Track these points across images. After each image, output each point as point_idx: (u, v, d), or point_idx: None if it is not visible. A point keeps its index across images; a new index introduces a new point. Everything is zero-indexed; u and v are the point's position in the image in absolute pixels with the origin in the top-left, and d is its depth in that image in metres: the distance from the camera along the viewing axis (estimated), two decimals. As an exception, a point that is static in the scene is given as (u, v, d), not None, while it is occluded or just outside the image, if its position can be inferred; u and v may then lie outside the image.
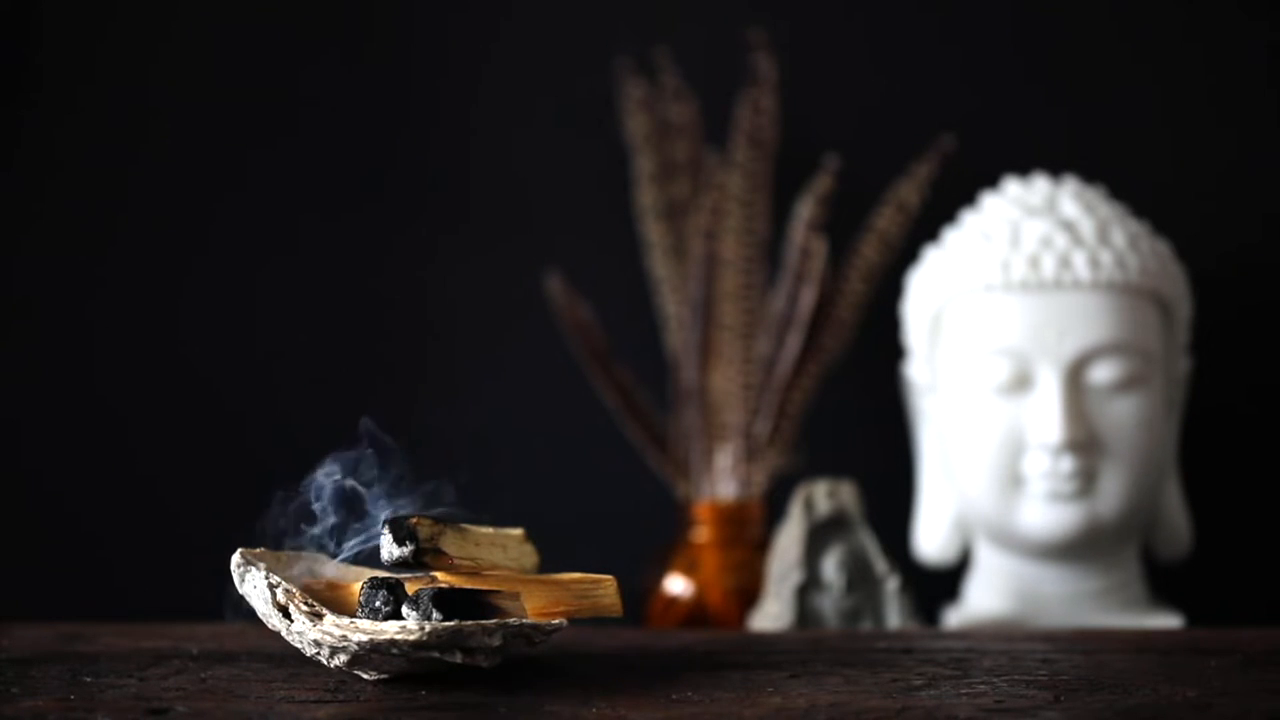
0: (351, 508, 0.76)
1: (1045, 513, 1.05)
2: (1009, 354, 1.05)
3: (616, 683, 0.73)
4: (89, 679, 0.74)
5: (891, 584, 1.02)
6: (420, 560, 0.72)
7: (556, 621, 0.72)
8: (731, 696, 0.70)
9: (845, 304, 1.16)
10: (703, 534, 1.14)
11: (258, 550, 0.75)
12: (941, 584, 1.16)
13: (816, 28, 1.27)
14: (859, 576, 1.02)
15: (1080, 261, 1.05)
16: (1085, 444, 1.04)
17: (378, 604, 0.72)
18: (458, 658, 0.70)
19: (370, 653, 0.69)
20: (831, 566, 1.02)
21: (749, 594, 1.10)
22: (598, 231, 1.27)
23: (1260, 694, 0.70)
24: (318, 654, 0.71)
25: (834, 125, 1.26)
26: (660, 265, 1.20)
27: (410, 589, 0.72)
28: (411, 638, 0.68)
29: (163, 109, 1.29)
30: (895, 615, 1.01)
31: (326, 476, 0.76)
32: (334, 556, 0.76)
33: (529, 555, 0.80)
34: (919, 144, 1.17)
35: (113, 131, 1.29)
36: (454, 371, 1.29)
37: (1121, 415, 1.04)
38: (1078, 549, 1.06)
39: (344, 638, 0.69)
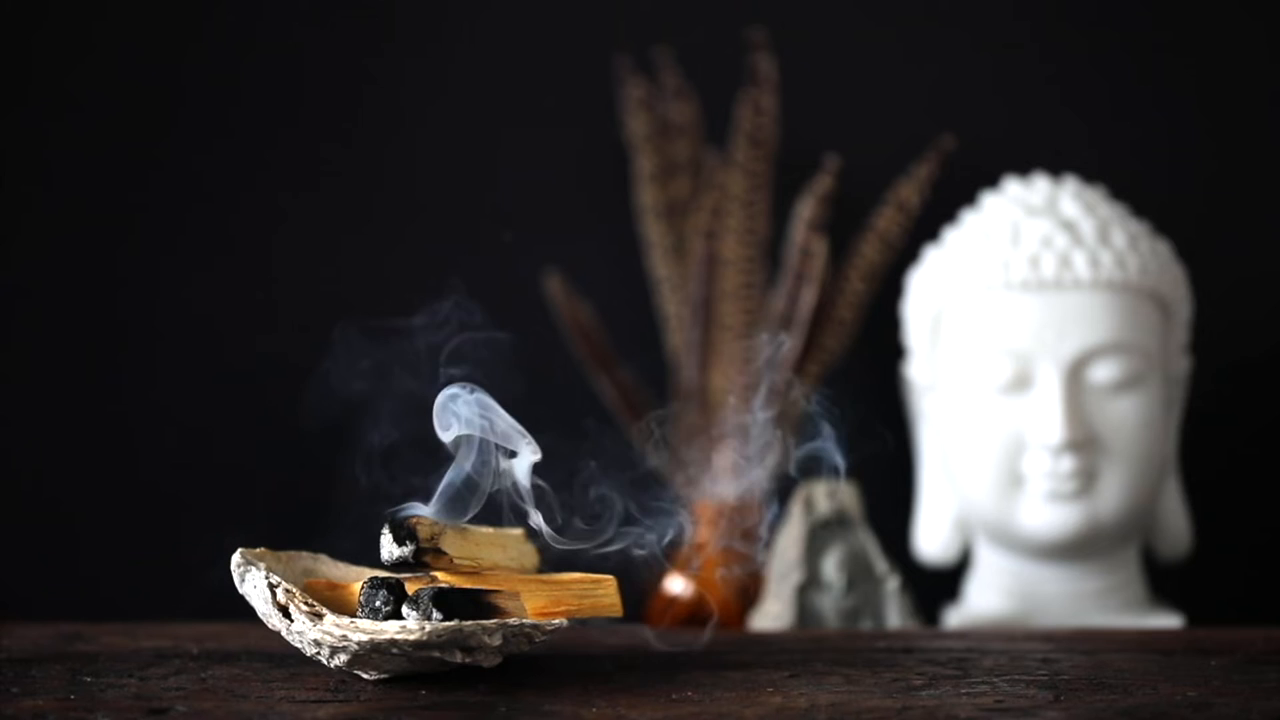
0: None
1: (1045, 512, 1.05)
2: (1009, 353, 1.05)
3: (616, 683, 0.74)
4: (89, 679, 0.74)
5: (891, 584, 1.02)
6: (420, 560, 0.72)
7: (556, 621, 0.72)
8: (731, 696, 0.70)
9: (845, 304, 1.16)
10: (703, 534, 1.14)
11: (258, 550, 0.75)
12: (941, 584, 1.16)
13: (816, 28, 1.27)
14: (859, 576, 1.02)
15: (1080, 261, 1.05)
16: (1085, 444, 1.04)
17: (378, 604, 0.72)
18: (458, 657, 0.70)
19: (370, 653, 0.70)
20: (831, 566, 1.02)
21: (749, 594, 1.10)
22: (598, 231, 1.27)
23: (1260, 694, 0.70)
24: (318, 654, 0.71)
25: (834, 125, 1.26)
26: (660, 265, 1.20)
27: (410, 589, 0.72)
28: (411, 638, 0.68)
29: (161, 102, 1.29)
30: (895, 615, 1.01)
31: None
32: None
33: (529, 555, 0.80)
34: (919, 144, 1.17)
35: (102, 127, 1.29)
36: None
37: (1121, 415, 1.04)
38: (1078, 549, 1.06)
39: (344, 638, 0.69)
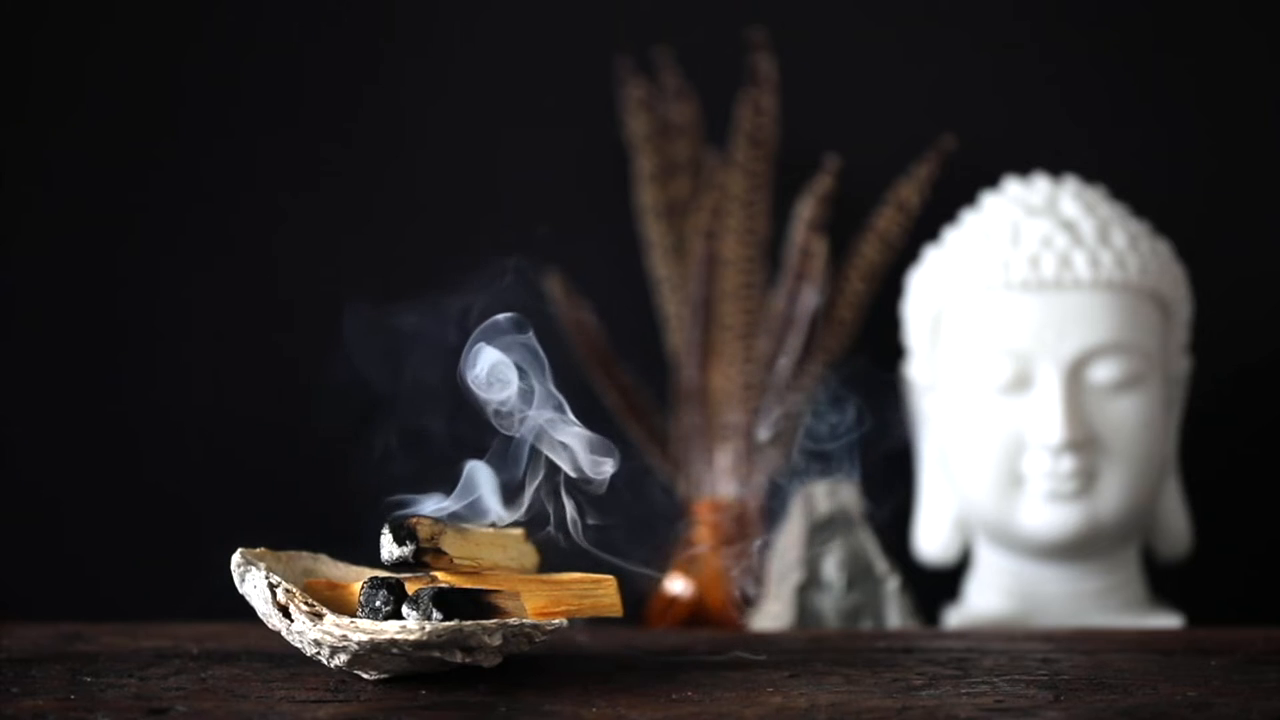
0: None
1: (1045, 512, 1.05)
2: (1009, 353, 1.05)
3: (616, 683, 0.74)
4: (89, 679, 0.74)
5: (891, 584, 1.02)
6: (420, 560, 0.72)
7: (556, 621, 0.72)
8: (731, 696, 0.70)
9: (845, 304, 1.16)
10: (703, 534, 1.14)
11: (258, 550, 0.75)
12: (941, 584, 1.16)
13: (816, 28, 1.27)
14: (859, 576, 1.02)
15: (1080, 261, 1.05)
16: (1085, 444, 1.04)
17: (378, 604, 0.72)
18: (458, 657, 0.70)
19: (370, 653, 0.70)
20: (831, 566, 1.02)
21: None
22: (598, 231, 1.27)
23: (1260, 694, 0.70)
24: (318, 654, 0.71)
25: (834, 125, 1.26)
26: (660, 265, 1.20)
27: (410, 589, 0.72)
28: (411, 638, 0.68)
29: (161, 102, 1.29)
30: (895, 615, 1.01)
31: None
32: None
33: (529, 555, 0.80)
34: (919, 144, 1.17)
35: (102, 127, 1.28)
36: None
37: (1121, 415, 1.04)
38: (1078, 549, 1.06)
39: (344, 638, 0.69)
